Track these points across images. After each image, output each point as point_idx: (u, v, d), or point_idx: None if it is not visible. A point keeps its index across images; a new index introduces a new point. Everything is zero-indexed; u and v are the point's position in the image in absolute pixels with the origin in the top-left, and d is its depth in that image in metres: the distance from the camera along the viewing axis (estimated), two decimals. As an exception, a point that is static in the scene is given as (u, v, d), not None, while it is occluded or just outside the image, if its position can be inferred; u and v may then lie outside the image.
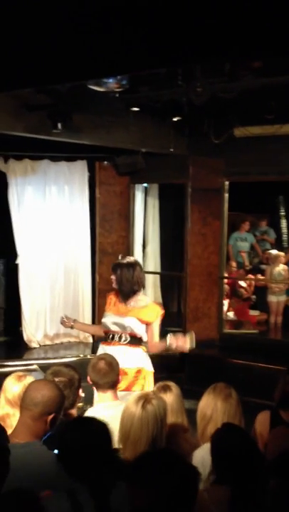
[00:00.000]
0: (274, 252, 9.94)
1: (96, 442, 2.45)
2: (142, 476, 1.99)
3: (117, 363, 3.95)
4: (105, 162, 8.45)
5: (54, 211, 8.23)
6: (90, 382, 3.93)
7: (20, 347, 7.98)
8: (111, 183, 8.69)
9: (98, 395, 3.89)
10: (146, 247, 9.98)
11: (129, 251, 8.98)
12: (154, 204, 10.07)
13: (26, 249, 8.02)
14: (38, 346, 8.08)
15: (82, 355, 7.58)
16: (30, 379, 3.48)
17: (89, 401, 4.19)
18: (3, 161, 7.86)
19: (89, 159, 8.40)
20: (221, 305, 8.67)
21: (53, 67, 3.08)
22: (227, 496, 2.43)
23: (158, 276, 10.49)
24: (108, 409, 3.70)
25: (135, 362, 4.75)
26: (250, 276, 10.29)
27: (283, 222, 11.29)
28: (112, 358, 3.98)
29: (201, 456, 2.97)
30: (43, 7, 2.89)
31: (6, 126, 6.45)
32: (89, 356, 7.20)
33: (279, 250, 10.03)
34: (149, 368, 4.83)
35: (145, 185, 9.50)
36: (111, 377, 3.81)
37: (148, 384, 4.75)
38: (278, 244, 10.75)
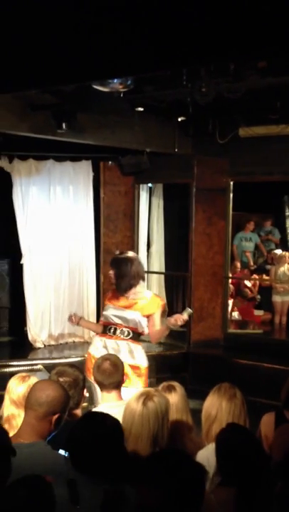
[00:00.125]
0: (279, 252, 9.93)
1: (109, 437, 2.46)
2: (152, 476, 2.00)
3: (122, 363, 3.96)
4: (110, 162, 8.45)
5: (59, 211, 8.24)
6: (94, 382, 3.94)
7: (25, 347, 7.99)
8: (116, 183, 8.69)
9: (102, 395, 3.89)
10: (150, 247, 9.98)
11: (133, 251, 8.98)
12: (158, 204, 10.07)
13: (31, 249, 8.03)
14: (42, 346, 8.09)
15: (86, 356, 7.57)
16: (34, 379, 3.48)
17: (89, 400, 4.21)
18: (8, 161, 7.87)
19: (93, 159, 8.41)
20: (226, 305, 8.66)
21: (59, 68, 3.09)
22: (232, 497, 2.43)
23: (162, 276, 10.49)
24: (112, 409, 3.70)
25: (138, 359, 4.79)
26: (255, 276, 10.28)
27: (288, 222, 11.27)
28: (116, 358, 3.99)
29: (206, 456, 2.97)
30: (47, 9, 2.90)
31: (11, 126, 6.46)
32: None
33: (284, 250, 10.02)
34: (145, 364, 4.86)
35: (150, 185, 9.50)
36: (116, 377, 3.82)
37: (145, 380, 4.79)
38: (283, 244, 10.73)
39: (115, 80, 5.44)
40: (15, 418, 3.37)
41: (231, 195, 8.37)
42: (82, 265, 8.42)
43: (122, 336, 4.88)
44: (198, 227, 8.32)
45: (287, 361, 7.19)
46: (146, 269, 9.70)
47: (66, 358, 7.31)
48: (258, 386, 6.79)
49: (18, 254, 8.01)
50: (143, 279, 5.08)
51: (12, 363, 7.16)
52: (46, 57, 3.07)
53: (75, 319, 5.13)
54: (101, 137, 7.25)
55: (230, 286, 9.42)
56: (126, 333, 4.88)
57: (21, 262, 8.01)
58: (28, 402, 2.82)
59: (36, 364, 7.18)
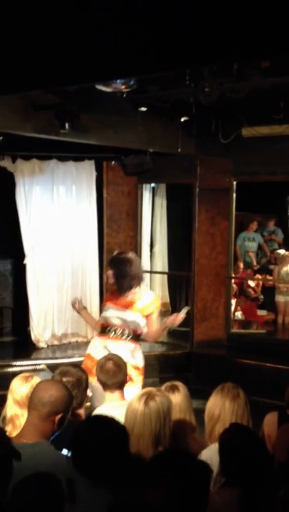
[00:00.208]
0: (282, 251, 9.92)
1: (113, 442, 2.46)
2: (157, 476, 2.00)
3: (125, 364, 3.97)
4: (113, 162, 8.45)
5: (62, 211, 8.24)
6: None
7: (28, 347, 8.00)
8: (119, 183, 8.69)
9: (106, 395, 3.90)
10: (153, 247, 9.99)
11: (136, 251, 8.98)
12: (161, 204, 10.08)
13: (34, 249, 8.04)
14: (45, 346, 8.09)
15: (85, 356, 7.57)
16: (37, 379, 3.49)
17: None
18: (11, 161, 7.88)
19: (97, 159, 8.41)
20: (229, 305, 8.66)
21: (62, 69, 3.09)
22: (236, 497, 2.43)
23: (166, 276, 10.50)
24: (116, 409, 3.70)
25: (138, 359, 4.81)
26: (258, 276, 10.27)
27: (291, 222, 11.28)
28: (119, 358, 3.99)
29: (209, 456, 2.97)
30: (50, 9, 2.90)
31: (14, 126, 6.47)
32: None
33: (287, 250, 10.01)
34: (141, 364, 4.87)
35: (153, 185, 9.51)
36: (119, 377, 3.83)
37: (140, 380, 4.80)
38: (286, 244, 10.72)
39: (118, 80, 5.45)
40: (18, 418, 3.37)
41: (234, 195, 8.36)
42: (85, 265, 8.42)
43: (121, 337, 4.88)
44: (202, 227, 8.31)
45: (290, 361, 7.19)
46: (149, 268, 9.74)
47: (69, 357, 7.32)
48: (261, 386, 6.80)
49: (21, 254, 8.02)
50: (142, 280, 5.08)
51: (15, 363, 7.17)
52: (49, 58, 3.07)
53: (78, 306, 5.13)
54: (104, 137, 7.25)
55: (234, 286, 9.42)
56: (126, 333, 4.89)
57: (24, 262, 8.02)
58: (31, 402, 2.82)
59: (39, 364, 7.19)
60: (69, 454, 2.69)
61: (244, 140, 7.61)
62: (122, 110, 7.04)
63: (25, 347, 8.05)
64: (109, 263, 5.06)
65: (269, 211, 10.92)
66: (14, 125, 6.44)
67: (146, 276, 9.62)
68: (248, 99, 6.31)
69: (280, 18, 2.32)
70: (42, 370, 6.88)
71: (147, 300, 4.97)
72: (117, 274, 4.89)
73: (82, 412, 3.53)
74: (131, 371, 4.66)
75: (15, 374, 3.78)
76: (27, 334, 8.16)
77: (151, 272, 9.89)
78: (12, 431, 3.32)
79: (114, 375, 3.81)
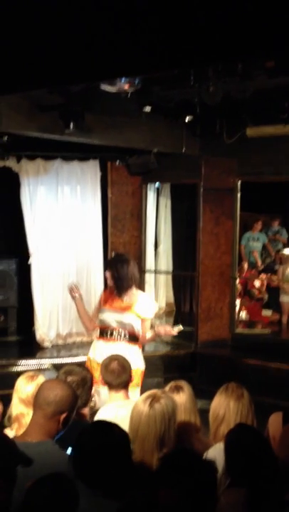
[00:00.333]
0: (286, 252, 9.91)
1: (115, 450, 2.45)
2: (168, 477, 2.01)
3: (129, 364, 3.98)
4: (117, 162, 8.46)
5: (66, 211, 8.25)
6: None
7: (33, 346, 8.01)
8: (123, 183, 8.70)
9: (110, 395, 3.91)
10: (158, 247, 9.99)
11: (141, 251, 8.99)
12: (166, 204, 10.08)
13: (39, 248, 8.05)
14: (50, 346, 8.10)
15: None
16: (42, 378, 3.50)
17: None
18: (16, 160, 7.89)
19: (101, 159, 8.42)
20: (233, 305, 8.65)
21: (66, 67, 3.10)
22: (242, 498, 2.43)
23: (170, 275, 10.50)
24: (120, 408, 3.71)
25: (135, 362, 4.81)
26: (263, 276, 10.26)
27: (296, 222, 11.25)
28: (124, 358, 4.00)
29: (214, 456, 2.97)
30: (54, 8, 2.91)
31: (19, 127, 6.48)
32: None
33: (292, 250, 10.00)
34: (142, 367, 4.88)
35: (157, 185, 9.51)
36: (124, 377, 3.84)
37: (139, 382, 4.81)
38: (291, 244, 10.72)
39: (123, 80, 5.45)
40: (24, 417, 3.38)
41: (239, 195, 8.35)
42: (89, 265, 8.43)
43: (119, 338, 4.90)
44: (206, 227, 8.31)
45: (294, 361, 7.18)
46: (153, 268, 9.74)
47: (74, 357, 7.33)
48: (266, 386, 6.79)
49: (26, 254, 8.04)
50: (137, 282, 5.10)
51: (20, 363, 7.18)
52: (53, 57, 3.08)
53: (74, 292, 5.12)
54: (108, 137, 7.26)
55: (238, 286, 9.41)
56: (122, 334, 4.91)
57: (29, 261, 8.04)
58: (36, 401, 2.83)
59: (44, 363, 7.20)
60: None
61: (249, 140, 7.60)
62: (126, 110, 7.04)
63: (30, 346, 8.06)
64: (107, 265, 5.10)
65: (274, 211, 10.90)
66: (19, 125, 6.46)
67: (151, 276, 9.64)
68: (252, 99, 6.31)
69: (285, 17, 2.32)
70: (47, 369, 6.90)
71: (144, 304, 4.99)
72: (115, 275, 4.92)
73: (86, 411, 3.54)
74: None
75: (20, 373, 3.79)
76: (32, 334, 8.18)
77: (155, 272, 9.89)
78: (18, 429, 3.34)
79: (120, 375, 3.82)
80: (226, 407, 3.17)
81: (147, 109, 7.02)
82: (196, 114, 7.03)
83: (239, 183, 8.29)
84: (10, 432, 3.43)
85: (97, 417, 3.67)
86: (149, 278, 9.35)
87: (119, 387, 3.83)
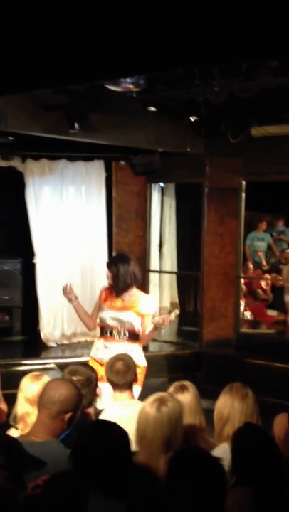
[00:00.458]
0: (291, 251, 9.89)
1: (114, 449, 2.46)
2: (182, 474, 2.02)
3: (134, 363, 3.98)
4: (122, 162, 8.46)
5: (71, 211, 8.26)
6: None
7: (38, 346, 8.02)
8: (128, 183, 8.70)
9: (115, 395, 3.91)
10: (162, 247, 9.99)
11: (145, 251, 9.00)
12: (170, 204, 10.08)
13: (43, 248, 8.07)
14: (55, 345, 8.11)
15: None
16: (47, 378, 3.50)
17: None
18: (21, 160, 7.91)
19: (106, 159, 8.43)
20: (238, 305, 8.64)
21: (71, 67, 3.10)
22: (248, 497, 2.43)
23: (174, 275, 10.50)
24: (125, 408, 3.72)
25: (137, 359, 4.82)
26: (267, 276, 10.25)
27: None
28: (129, 358, 4.01)
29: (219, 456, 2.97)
30: (59, 8, 2.91)
31: (24, 126, 6.49)
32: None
33: (296, 250, 9.98)
34: (143, 364, 4.88)
35: (162, 185, 9.51)
36: (129, 377, 3.84)
37: (141, 379, 4.81)
38: (295, 244, 10.70)
39: (128, 80, 5.45)
40: (29, 416, 3.39)
41: (243, 194, 8.35)
42: (94, 265, 8.43)
43: (119, 338, 4.90)
44: (211, 227, 8.31)
45: (299, 361, 7.17)
46: (158, 268, 9.75)
47: (79, 357, 7.33)
48: (270, 386, 6.78)
49: (31, 254, 8.05)
50: (139, 281, 5.10)
51: (25, 362, 7.20)
52: (58, 57, 3.08)
53: (69, 294, 5.10)
54: (113, 137, 7.27)
55: (243, 286, 9.40)
56: (122, 334, 4.91)
57: (34, 261, 8.05)
58: (41, 401, 2.84)
59: (49, 363, 7.21)
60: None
61: (253, 140, 7.60)
62: (131, 110, 7.05)
63: (34, 346, 8.07)
64: (108, 264, 5.09)
65: (278, 211, 10.89)
66: (24, 125, 6.47)
67: (155, 276, 9.64)
68: (257, 99, 6.30)
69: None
70: (51, 369, 6.91)
71: (144, 301, 4.98)
72: (115, 274, 4.92)
73: (91, 411, 3.54)
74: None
75: (25, 373, 3.80)
76: (37, 333, 8.19)
77: (160, 272, 9.89)
78: (24, 428, 3.35)
79: (125, 375, 3.83)
80: (230, 407, 3.17)
81: (152, 108, 7.03)
82: (200, 113, 7.03)
83: (244, 182, 8.28)
84: (15, 432, 3.44)
85: (101, 417, 3.67)
86: (153, 278, 9.35)
87: (124, 387, 3.84)
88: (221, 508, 2.07)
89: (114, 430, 2.54)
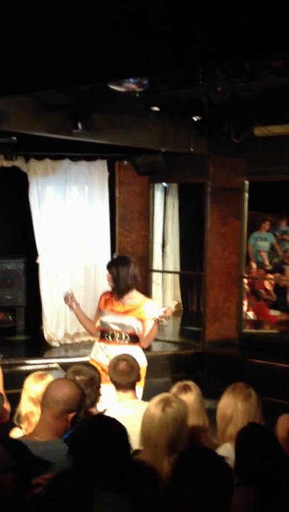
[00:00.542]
0: (294, 251, 9.89)
1: (112, 444, 2.46)
2: (188, 474, 2.03)
3: (137, 364, 3.99)
4: (125, 162, 8.47)
5: (74, 211, 8.28)
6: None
7: (41, 346, 8.04)
8: (131, 183, 8.71)
9: (118, 395, 3.91)
10: (165, 247, 10.00)
11: (148, 250, 9.00)
12: (173, 203, 10.08)
13: (47, 248, 8.08)
14: (58, 345, 8.13)
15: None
16: (51, 378, 3.51)
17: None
18: (24, 160, 7.92)
19: (109, 159, 8.43)
20: (241, 305, 8.64)
21: (74, 68, 3.11)
22: (252, 497, 2.43)
23: (177, 275, 10.50)
24: (128, 408, 3.72)
25: (138, 360, 4.83)
26: (270, 276, 10.24)
27: (304, 222, 11.22)
28: (132, 358, 4.01)
29: (222, 456, 2.97)
30: (63, 8, 2.92)
31: (27, 126, 6.50)
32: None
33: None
34: (144, 364, 4.89)
35: (165, 184, 9.51)
36: (132, 377, 3.85)
37: (143, 379, 4.82)
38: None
39: (131, 80, 5.45)
40: (33, 415, 3.39)
41: (247, 194, 8.34)
42: (97, 264, 8.44)
43: (120, 341, 4.92)
44: (213, 226, 8.31)
45: (302, 361, 7.17)
46: (161, 268, 9.75)
47: (82, 356, 7.33)
48: (273, 386, 6.78)
49: (34, 254, 8.06)
50: (139, 283, 5.10)
51: (28, 362, 7.21)
52: (61, 57, 3.09)
53: (70, 302, 5.11)
54: (116, 137, 7.27)
55: (246, 286, 9.39)
56: (124, 337, 4.92)
57: (37, 261, 8.06)
58: (44, 401, 2.84)
59: (52, 362, 7.22)
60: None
61: (256, 139, 7.59)
62: (134, 110, 7.05)
63: (38, 346, 8.09)
64: (107, 267, 5.08)
65: (281, 211, 10.88)
66: (27, 125, 6.47)
67: (158, 276, 9.64)
68: (260, 99, 6.29)
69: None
70: (55, 368, 6.91)
71: (146, 306, 4.97)
72: (115, 276, 4.92)
73: (95, 410, 3.55)
74: None
75: (28, 372, 3.80)
76: (40, 333, 8.21)
77: (163, 272, 9.89)
78: (28, 428, 3.36)
79: (128, 375, 3.83)
80: (233, 407, 3.17)
81: (155, 108, 7.03)
82: (203, 113, 7.03)
83: (247, 182, 8.27)
84: (19, 431, 3.45)
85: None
86: (156, 278, 9.35)
87: (128, 387, 3.84)
88: (227, 507, 2.07)
89: (112, 425, 2.56)
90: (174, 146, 7.86)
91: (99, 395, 3.55)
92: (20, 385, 3.69)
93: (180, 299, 10.60)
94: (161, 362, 7.74)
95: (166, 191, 9.75)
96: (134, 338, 4.95)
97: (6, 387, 3.76)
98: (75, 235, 8.28)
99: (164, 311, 4.79)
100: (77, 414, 2.80)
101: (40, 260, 8.05)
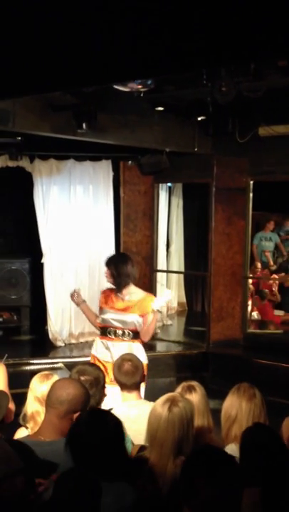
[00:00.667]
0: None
1: (107, 435, 2.48)
2: (199, 473, 2.04)
3: (142, 364, 4.00)
4: (130, 162, 8.47)
5: (79, 211, 8.29)
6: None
7: (46, 345, 8.05)
8: (135, 183, 8.71)
9: (122, 395, 3.92)
10: (170, 247, 10.00)
11: (153, 250, 9.00)
12: (178, 203, 10.08)
13: (51, 248, 8.09)
14: (63, 345, 8.14)
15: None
16: (56, 377, 3.52)
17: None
18: (29, 160, 7.93)
19: (113, 159, 8.44)
20: (245, 305, 8.64)
21: (80, 70, 3.11)
22: (257, 497, 2.43)
23: (182, 275, 10.50)
24: (133, 408, 3.73)
25: (141, 357, 4.84)
26: (275, 276, 10.23)
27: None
28: (136, 358, 4.02)
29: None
30: (68, 10, 2.92)
31: (32, 127, 6.51)
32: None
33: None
34: (145, 361, 4.92)
35: (169, 184, 9.51)
36: (137, 377, 3.86)
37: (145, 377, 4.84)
38: (303, 244, 10.68)
39: (136, 81, 5.46)
40: (39, 415, 3.40)
41: (251, 194, 8.33)
42: (102, 264, 8.34)
43: (121, 338, 4.96)
44: (218, 226, 8.30)
45: (307, 361, 7.16)
46: (165, 268, 9.74)
47: (86, 356, 7.32)
48: (278, 386, 6.77)
49: (39, 253, 8.08)
50: (135, 279, 5.17)
51: (33, 361, 7.22)
52: (67, 60, 3.09)
53: (77, 299, 5.19)
54: (121, 137, 7.28)
55: (251, 286, 9.38)
56: (126, 334, 4.97)
57: (42, 261, 8.08)
58: (49, 400, 2.85)
59: (57, 362, 7.24)
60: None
61: (261, 139, 7.59)
62: (138, 110, 7.05)
63: (42, 345, 8.11)
64: (106, 263, 5.14)
65: (286, 211, 10.86)
66: (32, 125, 6.49)
67: (163, 276, 9.65)
68: (264, 98, 6.29)
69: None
70: (59, 368, 6.93)
71: (142, 300, 5.02)
72: (115, 272, 4.99)
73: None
74: None
75: (33, 372, 3.82)
76: (45, 333, 8.22)
77: (167, 272, 9.89)
78: (34, 427, 3.36)
79: (133, 375, 3.84)
80: (238, 407, 3.17)
81: (160, 108, 7.03)
82: (208, 113, 7.02)
83: (251, 182, 8.27)
84: (25, 431, 3.46)
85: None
86: (160, 277, 9.35)
87: (132, 387, 3.85)
88: (239, 507, 2.08)
89: (108, 417, 2.58)
90: (178, 146, 7.86)
91: (104, 395, 3.55)
92: (25, 384, 3.70)
93: (184, 299, 10.60)
94: (165, 362, 7.75)
95: (170, 191, 9.75)
96: (135, 335, 5.01)
97: (10, 386, 3.77)
98: (79, 235, 8.29)
99: (161, 303, 4.87)
100: (82, 414, 2.81)
101: (44, 260, 8.07)
